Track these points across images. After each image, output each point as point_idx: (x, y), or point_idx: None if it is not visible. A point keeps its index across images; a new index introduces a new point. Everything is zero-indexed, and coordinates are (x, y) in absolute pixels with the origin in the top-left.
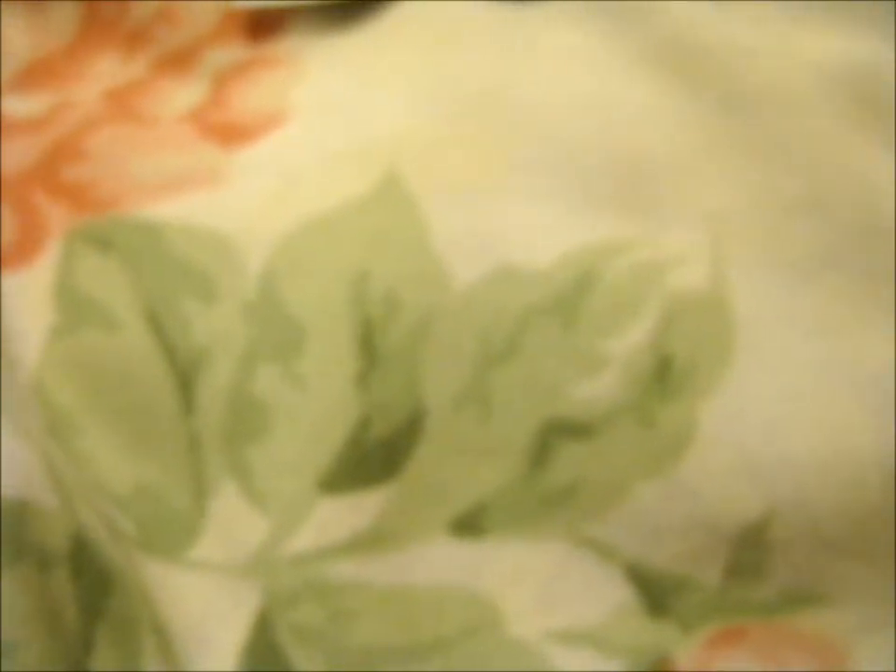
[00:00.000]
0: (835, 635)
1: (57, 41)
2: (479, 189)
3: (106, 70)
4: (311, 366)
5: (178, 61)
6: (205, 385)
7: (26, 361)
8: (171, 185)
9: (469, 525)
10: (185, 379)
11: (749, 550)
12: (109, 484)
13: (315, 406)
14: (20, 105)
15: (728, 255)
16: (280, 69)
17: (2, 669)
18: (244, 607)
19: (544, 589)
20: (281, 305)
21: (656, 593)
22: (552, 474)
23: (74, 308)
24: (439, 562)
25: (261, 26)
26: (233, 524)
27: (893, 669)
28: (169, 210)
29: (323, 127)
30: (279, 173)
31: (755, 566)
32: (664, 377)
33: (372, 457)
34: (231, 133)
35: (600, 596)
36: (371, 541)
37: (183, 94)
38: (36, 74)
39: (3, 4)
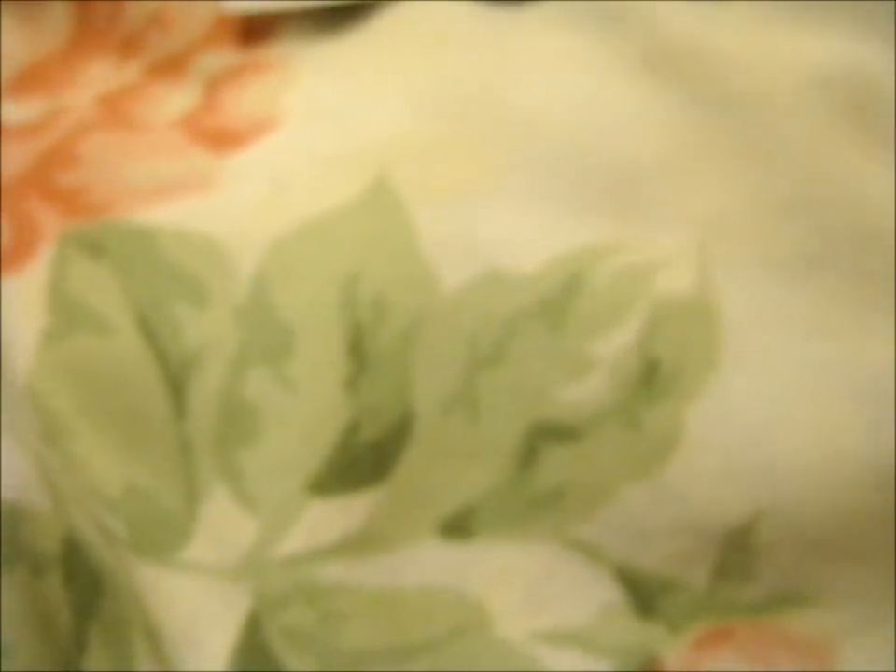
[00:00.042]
0: (823, 635)
1: (50, 46)
2: (468, 194)
3: (99, 75)
4: (301, 369)
5: (171, 66)
6: (197, 388)
7: (19, 365)
8: (163, 190)
9: (457, 527)
10: (176, 383)
11: (736, 552)
12: (101, 487)
13: (305, 409)
14: (14, 111)
15: (717, 257)
16: (271, 74)
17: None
18: (234, 609)
19: (532, 590)
20: (271, 309)
21: (644, 594)
22: (539, 476)
23: (66, 312)
24: (427, 564)
25: (253, 31)
26: (224, 526)
27: (880, 670)
28: (161, 215)
29: (314, 132)
30: (270, 178)
31: (742, 567)
32: (650, 380)
33: (362, 460)
34: (223, 139)
35: (588, 597)
36: (360, 544)
37: (175, 99)
38: (30, 79)
39: (2, 6)
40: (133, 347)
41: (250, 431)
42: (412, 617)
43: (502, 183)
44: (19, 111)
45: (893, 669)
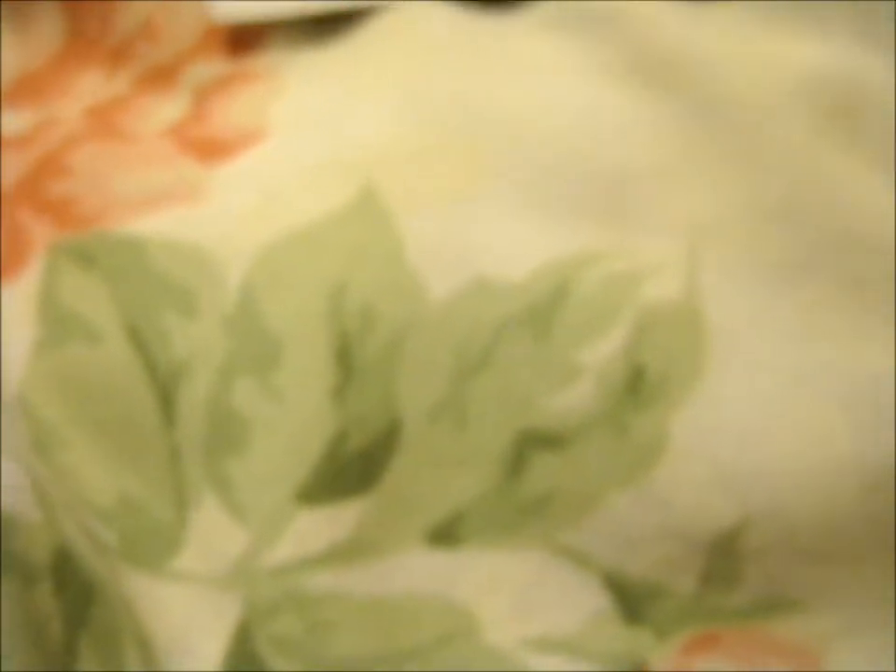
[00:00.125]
0: (810, 640)
1: (41, 57)
2: (456, 202)
3: (89, 87)
4: (288, 379)
5: (160, 76)
6: (185, 397)
7: (11, 376)
8: (152, 200)
9: (445, 534)
10: (165, 392)
11: (724, 558)
12: (92, 497)
13: (292, 419)
14: (9, 121)
15: (705, 264)
16: (260, 84)
17: None
18: (225, 618)
19: (520, 597)
20: (259, 319)
21: (632, 600)
22: (526, 484)
23: (57, 322)
24: (416, 571)
25: (242, 41)
26: (214, 535)
27: None
28: (150, 225)
29: (302, 141)
30: (258, 187)
31: (730, 573)
32: (636, 387)
33: (350, 469)
34: (212, 149)
35: (576, 604)
36: (349, 552)
37: (164, 110)
38: (22, 89)
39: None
40: (122, 357)
41: (238, 440)
42: (400, 624)
43: (490, 191)
44: (10, 121)
45: None
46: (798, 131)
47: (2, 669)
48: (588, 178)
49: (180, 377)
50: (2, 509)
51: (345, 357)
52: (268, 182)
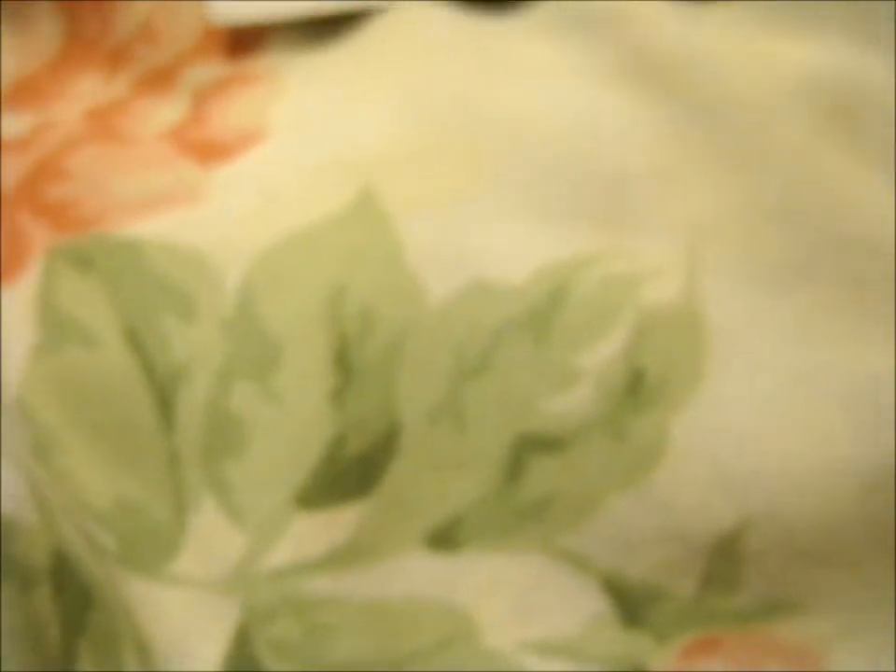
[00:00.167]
0: (811, 642)
1: (40, 59)
2: (455, 204)
3: (88, 89)
4: (287, 382)
5: (159, 79)
6: (184, 401)
7: (9, 379)
8: (151, 203)
9: (444, 538)
10: (164, 395)
11: (724, 560)
12: (91, 500)
13: (291, 422)
14: (8, 124)
15: (704, 266)
16: (259, 86)
17: None
18: (223, 621)
19: (520, 601)
20: (258, 321)
21: (631, 603)
22: (525, 487)
23: (55, 326)
24: (415, 575)
25: (241, 43)
26: (212, 539)
27: None
28: (149, 228)
29: (301, 143)
30: (257, 190)
31: (730, 576)
32: (636, 390)
33: (348, 473)
34: (211, 151)
35: (576, 607)
36: (347, 556)
37: (163, 112)
38: (21, 92)
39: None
40: (121, 360)
41: (237, 444)
42: (399, 629)
43: (489, 192)
44: (9, 124)
45: None
46: (798, 131)
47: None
48: (587, 180)
49: (179, 380)
50: (1, 512)
51: (344, 360)
52: (267, 184)
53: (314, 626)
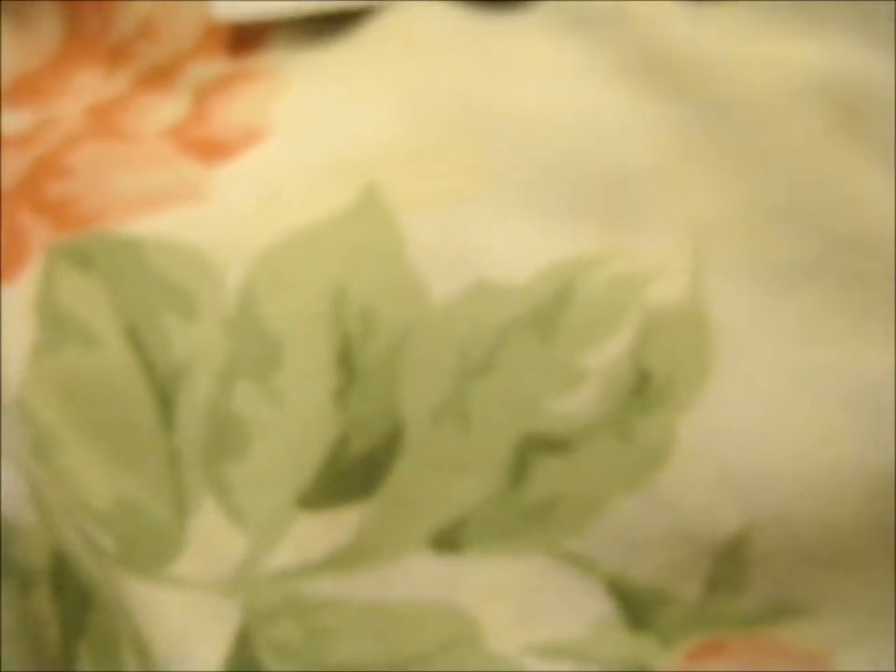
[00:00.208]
0: (817, 645)
1: (40, 56)
2: (458, 203)
3: (89, 86)
4: (289, 382)
5: (160, 76)
6: (185, 400)
7: (9, 378)
8: (152, 201)
9: (448, 540)
10: (165, 395)
11: (729, 563)
12: (90, 500)
13: (293, 422)
14: (8, 121)
15: (709, 266)
16: (261, 83)
17: None
18: (224, 623)
19: (524, 603)
20: (259, 321)
21: (636, 606)
22: (530, 489)
23: (55, 325)
24: (418, 577)
25: (243, 40)
26: (213, 540)
27: None
28: (150, 226)
29: (303, 142)
30: (259, 188)
31: (735, 578)
32: (642, 391)
33: (351, 473)
34: (212, 149)
35: (580, 610)
36: (349, 558)
37: (165, 109)
38: (21, 89)
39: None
40: (121, 359)
41: (238, 444)
42: (402, 631)
43: (492, 192)
44: (9, 121)
45: None
46: (802, 130)
47: None
48: (590, 179)
49: (180, 380)
50: (1, 513)
51: (347, 360)
52: (268, 183)
53: (315, 628)
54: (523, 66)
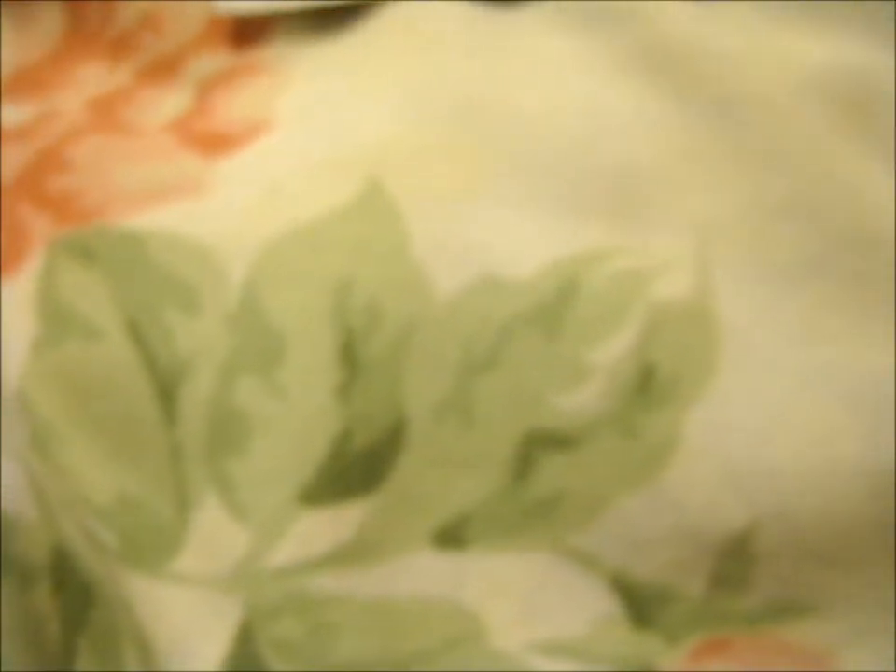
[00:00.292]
0: (821, 644)
1: (42, 49)
2: (462, 198)
3: (91, 78)
4: (292, 376)
5: (163, 69)
6: (187, 395)
7: (10, 373)
8: (154, 195)
9: (451, 536)
10: (167, 390)
11: (734, 560)
12: (91, 496)
13: (295, 417)
14: (8, 114)
15: (714, 262)
16: (264, 77)
17: None
18: (226, 620)
19: (527, 600)
20: (262, 315)
21: (640, 603)
22: (534, 485)
23: (56, 319)
24: (421, 574)
25: (246, 34)
26: (215, 536)
27: None
28: (152, 220)
29: (307, 135)
30: (262, 182)
31: (740, 576)
32: (647, 387)
33: (354, 469)
34: (215, 143)
35: (584, 607)
36: (352, 554)
37: (167, 103)
38: (22, 82)
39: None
40: (123, 354)
41: (241, 439)
42: (405, 627)
43: (497, 187)
44: (10, 114)
45: None
46: (808, 127)
47: (1, 670)
48: (594, 175)
49: (182, 374)
50: (1, 508)
51: (350, 355)
52: (272, 177)
53: (317, 625)
54: (527, 62)
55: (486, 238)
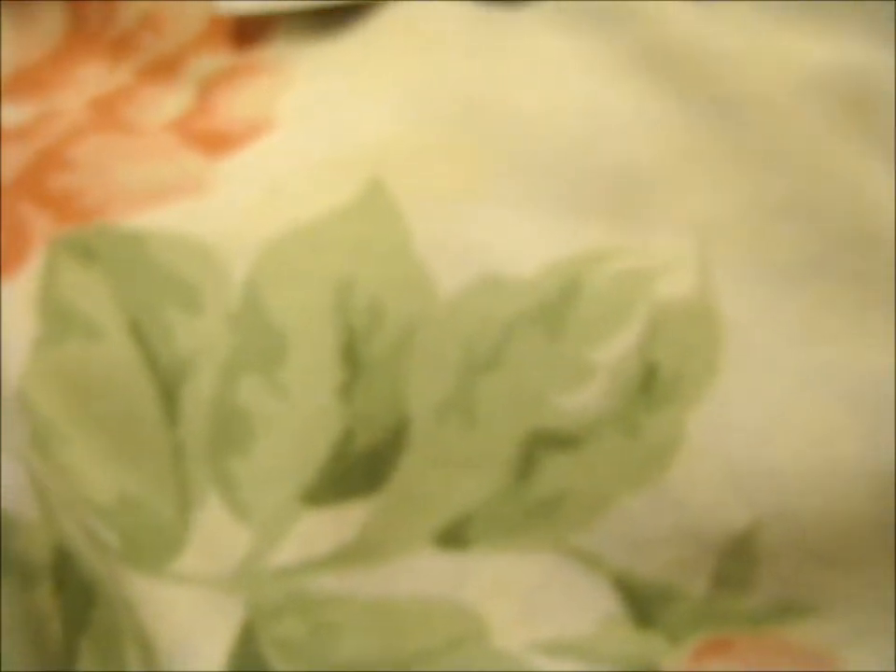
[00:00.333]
0: (823, 644)
1: (43, 49)
2: (464, 197)
3: (92, 78)
4: (294, 376)
5: (164, 68)
6: (189, 394)
7: (10, 373)
8: (155, 194)
9: (453, 536)
10: (168, 389)
11: (736, 560)
12: (93, 495)
13: (297, 417)
14: (8, 114)
15: (715, 262)
16: (265, 77)
17: None
18: (228, 620)
19: (530, 600)
20: (264, 314)
21: (643, 603)
22: (537, 485)
23: (57, 319)
24: (423, 574)
25: (247, 33)
26: (217, 536)
27: None
28: (153, 219)
29: (308, 135)
30: (264, 181)
31: (742, 576)
32: (650, 386)
33: (356, 469)
34: (216, 142)
35: (586, 607)
36: (354, 554)
37: (169, 102)
38: (23, 81)
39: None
40: (124, 353)
41: (243, 439)
42: (407, 627)
43: (499, 186)
44: (14, 114)
45: None
46: (808, 127)
47: (2, 670)
48: (594, 175)
49: (184, 374)
50: (2, 508)
51: (352, 354)
52: (273, 175)
53: (319, 625)
54: (527, 62)
55: (487, 238)
